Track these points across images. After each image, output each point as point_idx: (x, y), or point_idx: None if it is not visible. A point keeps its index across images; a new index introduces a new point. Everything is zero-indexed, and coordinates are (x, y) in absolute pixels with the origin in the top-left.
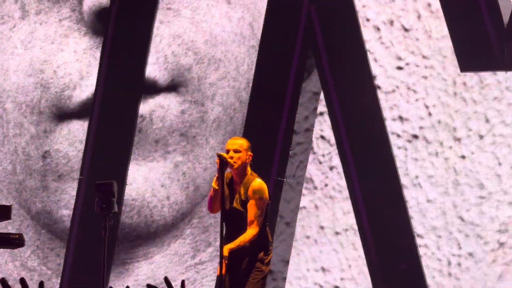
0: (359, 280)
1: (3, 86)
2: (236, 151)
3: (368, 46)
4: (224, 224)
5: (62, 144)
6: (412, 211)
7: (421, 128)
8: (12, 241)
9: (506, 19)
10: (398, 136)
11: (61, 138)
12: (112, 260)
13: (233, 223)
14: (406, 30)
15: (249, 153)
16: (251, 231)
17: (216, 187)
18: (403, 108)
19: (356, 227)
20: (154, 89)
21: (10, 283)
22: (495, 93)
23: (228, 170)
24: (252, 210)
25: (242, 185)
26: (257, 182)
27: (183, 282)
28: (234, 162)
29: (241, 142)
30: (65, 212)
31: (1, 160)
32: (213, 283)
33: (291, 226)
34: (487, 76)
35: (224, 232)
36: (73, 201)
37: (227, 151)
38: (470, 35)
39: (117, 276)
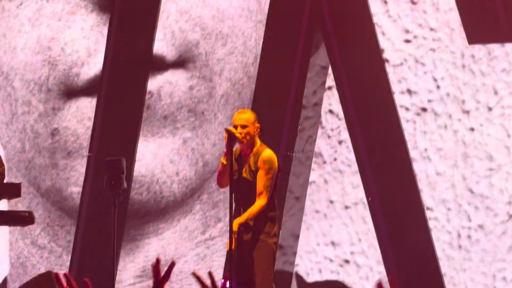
0: (369, 254)
1: (11, 64)
2: (243, 126)
3: (375, 19)
4: (233, 197)
5: (70, 121)
6: (422, 184)
7: (429, 101)
8: (22, 219)
9: None
10: (407, 109)
11: (69, 115)
12: (122, 237)
13: (242, 194)
14: (413, 3)
15: (257, 125)
16: (259, 203)
17: (225, 162)
18: (411, 81)
19: (365, 200)
20: (162, 65)
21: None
22: (503, 65)
23: (237, 145)
24: (261, 180)
25: (252, 156)
26: (267, 153)
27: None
28: (243, 138)
29: (247, 116)
30: (75, 189)
31: (10, 138)
32: (223, 259)
33: (301, 201)
34: (495, 48)
35: (233, 206)
36: (82, 178)
37: (235, 127)
38: (478, 7)
39: (127, 252)
